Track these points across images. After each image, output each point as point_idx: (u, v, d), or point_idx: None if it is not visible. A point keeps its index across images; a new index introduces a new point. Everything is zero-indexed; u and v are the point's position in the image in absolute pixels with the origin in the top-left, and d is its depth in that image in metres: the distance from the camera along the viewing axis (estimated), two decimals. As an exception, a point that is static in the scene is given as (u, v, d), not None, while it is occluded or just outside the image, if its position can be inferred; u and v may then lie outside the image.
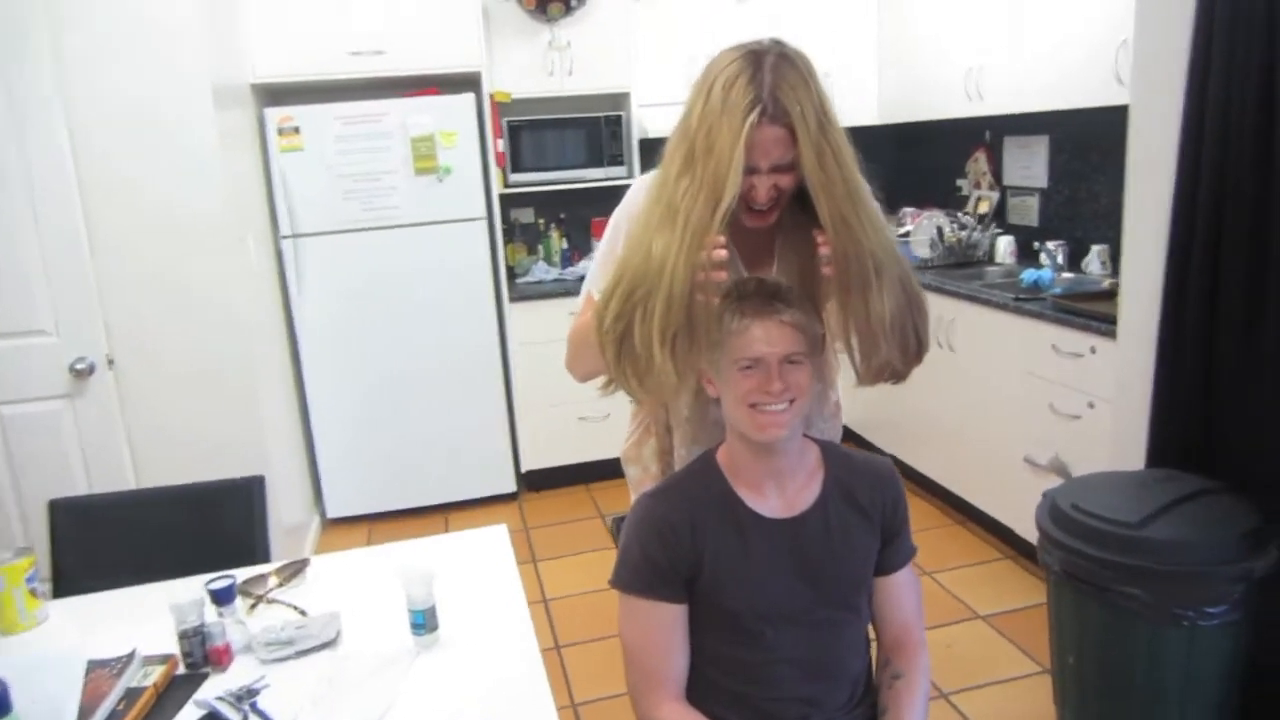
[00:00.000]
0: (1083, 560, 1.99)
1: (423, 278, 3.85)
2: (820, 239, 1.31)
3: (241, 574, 1.78)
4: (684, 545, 1.40)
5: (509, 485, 4.14)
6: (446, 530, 3.89)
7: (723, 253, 1.27)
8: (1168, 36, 2.16)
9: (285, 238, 3.72)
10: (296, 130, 3.66)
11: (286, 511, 3.46)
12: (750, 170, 1.30)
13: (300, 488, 3.78)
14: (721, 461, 1.48)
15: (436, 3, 3.73)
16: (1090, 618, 2.04)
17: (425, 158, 3.73)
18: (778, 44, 1.32)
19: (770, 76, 1.26)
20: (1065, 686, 2.20)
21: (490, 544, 1.92)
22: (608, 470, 4.15)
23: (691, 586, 1.42)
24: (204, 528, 2.01)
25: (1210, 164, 2.05)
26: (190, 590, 1.52)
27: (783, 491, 1.44)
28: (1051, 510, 2.13)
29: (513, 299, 3.98)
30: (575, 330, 1.54)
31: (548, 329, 3.97)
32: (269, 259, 3.68)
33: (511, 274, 4.32)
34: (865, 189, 1.37)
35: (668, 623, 1.42)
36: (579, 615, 3.12)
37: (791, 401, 1.34)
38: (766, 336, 1.32)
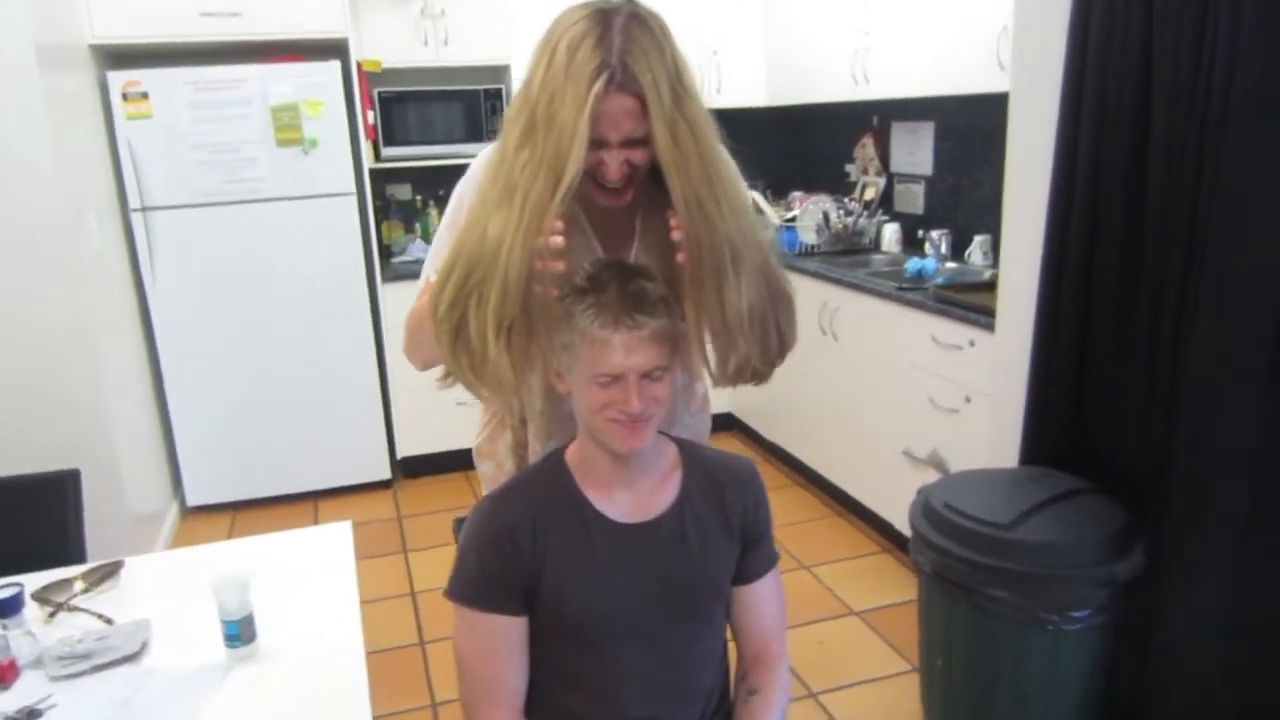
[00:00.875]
0: (953, 561, 1.94)
1: (289, 255, 3.60)
2: (674, 222, 1.19)
3: (46, 577, 1.60)
4: (523, 554, 1.27)
5: (383, 472, 3.95)
6: (315, 519, 3.69)
7: (559, 239, 1.14)
8: (1046, 23, 2.11)
9: (135, 211, 3.42)
10: (144, 96, 3.35)
11: (142, 499, 3.21)
12: (599, 144, 1.17)
13: (156, 475, 3.51)
14: (571, 460, 1.35)
15: (301, -40, 3.46)
16: (958, 620, 2.00)
17: (288, 128, 3.47)
18: (630, 2, 1.17)
19: (620, 39, 1.12)
20: (932, 687, 2.16)
21: (332, 541, 1.76)
22: (488, 459, 3.99)
23: (531, 597, 1.29)
24: (12, 525, 1.80)
25: (1087, 155, 2.01)
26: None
27: (635, 494, 1.32)
28: (925, 508, 2.09)
29: (387, 278, 3.77)
30: (411, 314, 1.40)
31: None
32: (117, 233, 3.38)
33: (387, 252, 4.09)
34: (727, 168, 1.26)
35: (504, 636, 1.30)
36: (447, 609, 2.95)
37: (652, 416, 1.23)
38: (626, 350, 1.18)
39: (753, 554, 1.40)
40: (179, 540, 3.54)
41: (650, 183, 1.29)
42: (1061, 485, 2.04)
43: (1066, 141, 2.06)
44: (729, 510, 1.36)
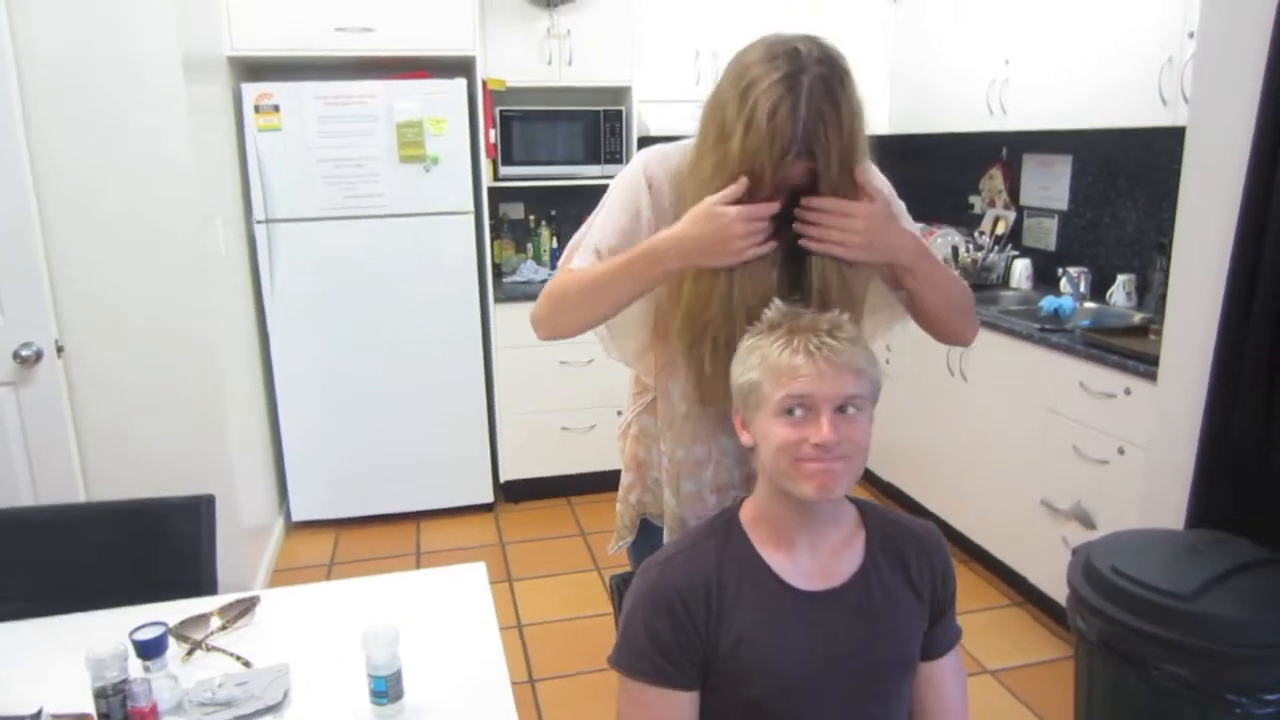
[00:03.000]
0: (1123, 631, 1.79)
1: (404, 272, 3.61)
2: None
3: (181, 609, 1.56)
4: (698, 622, 1.18)
5: (486, 495, 3.91)
6: (418, 540, 3.67)
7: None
8: (1236, 52, 1.96)
9: (259, 223, 3.47)
10: (276, 109, 3.41)
11: (249, 514, 3.22)
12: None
13: (264, 488, 3.54)
14: (746, 520, 1.26)
15: (429, -19, 3.49)
16: (1128, 694, 1.84)
17: (412, 145, 3.49)
18: (813, 51, 1.20)
19: (806, 109, 1.16)
20: (1092, 764, 2.00)
21: (467, 585, 1.69)
22: (591, 484, 3.94)
23: (705, 670, 1.20)
24: (144, 549, 1.77)
25: (1280, 196, 1.85)
26: (112, 639, 1.29)
27: (818, 558, 1.22)
28: (1085, 569, 1.93)
29: (498, 299, 3.75)
30: (563, 284, 1.39)
31: (534, 332, 3.74)
32: (240, 244, 3.43)
33: (498, 272, 4.08)
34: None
35: (675, 714, 1.20)
36: (556, 643, 2.90)
37: (848, 458, 1.13)
38: (819, 377, 1.12)
39: (940, 626, 1.29)
40: (284, 556, 3.55)
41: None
42: (1244, 553, 1.86)
43: (1259, 183, 1.90)
44: (916, 577, 1.26)
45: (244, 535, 3.06)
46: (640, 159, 1.41)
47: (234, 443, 2.97)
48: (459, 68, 3.61)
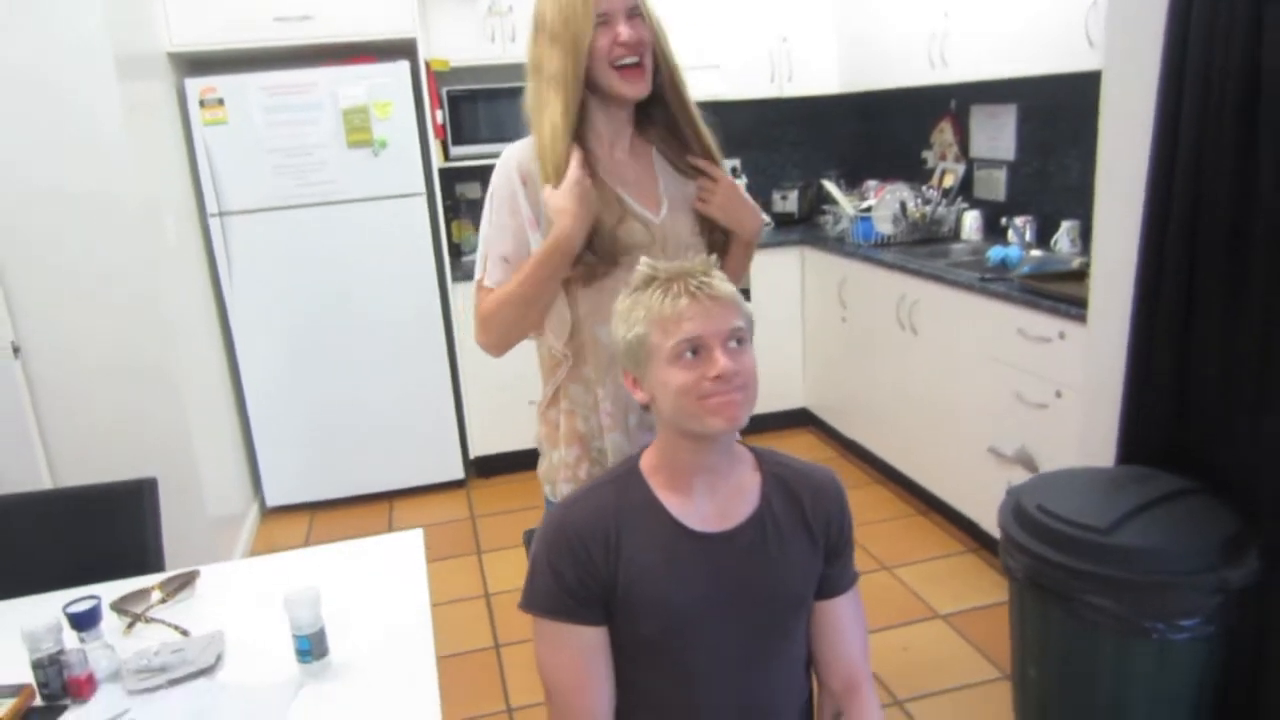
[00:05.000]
0: (1047, 567, 1.84)
1: (361, 256, 3.63)
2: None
3: (124, 587, 1.61)
4: (598, 562, 1.23)
5: (457, 472, 3.96)
6: (390, 519, 3.72)
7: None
8: (1142, -4, 1.98)
9: (213, 216, 3.48)
10: (220, 102, 3.41)
11: (223, 501, 3.28)
12: (605, 22, 1.38)
13: (237, 476, 3.59)
14: (646, 467, 1.30)
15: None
16: (1054, 628, 1.90)
17: (359, 130, 3.50)
18: None
19: None
20: (1026, 697, 2.06)
21: (404, 550, 1.74)
22: (560, 457, 3.97)
23: (608, 608, 1.25)
24: (90, 534, 1.81)
25: (1189, 132, 1.88)
26: (47, 613, 1.34)
27: (714, 501, 1.27)
28: (1016, 510, 1.98)
29: (457, 278, 3.78)
30: (492, 307, 1.47)
31: (489, 354, 3.77)
32: (195, 238, 3.45)
33: (457, 251, 4.10)
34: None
35: (587, 647, 1.25)
36: (522, 613, 2.95)
37: (745, 387, 1.18)
38: (705, 316, 1.17)
39: (837, 566, 1.34)
40: (259, 542, 3.60)
41: (667, 154, 1.55)
42: (1165, 486, 1.92)
43: (1167, 119, 1.94)
44: (811, 519, 1.30)
45: (214, 522, 3.11)
46: (508, 155, 1.49)
47: (197, 433, 3.01)
48: (402, 50, 3.61)
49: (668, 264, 1.24)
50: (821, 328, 3.99)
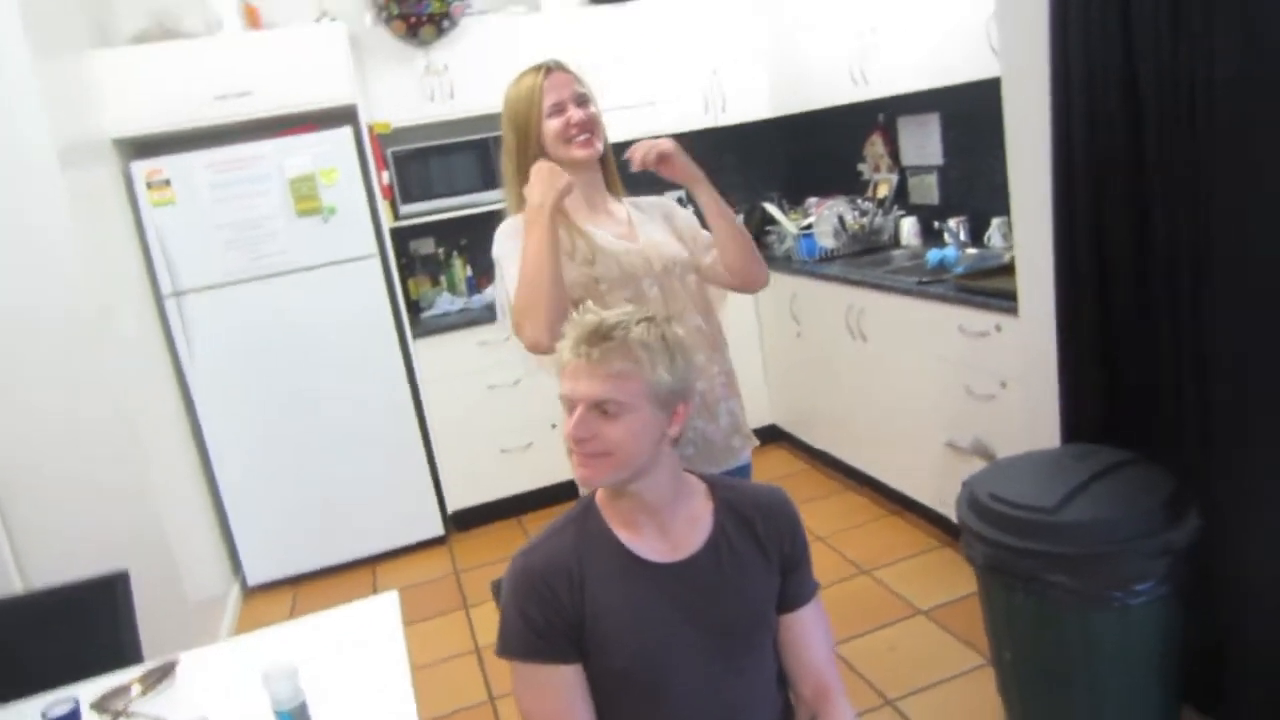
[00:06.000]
0: (1005, 552, 1.92)
1: (320, 323, 3.68)
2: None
3: (103, 684, 1.62)
4: (564, 601, 1.28)
5: (436, 528, 3.98)
6: (374, 583, 3.73)
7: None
8: (1028, 4, 2.11)
9: (168, 296, 3.52)
10: (167, 183, 3.46)
11: (202, 585, 3.27)
12: (558, 109, 1.75)
13: (215, 558, 3.58)
14: (601, 504, 1.36)
15: (301, 37, 3.58)
16: (1019, 610, 1.97)
17: (307, 198, 3.57)
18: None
19: (547, 61, 1.81)
20: (1006, 680, 2.13)
21: (380, 614, 1.77)
22: (538, 499, 4.02)
23: (580, 644, 1.30)
24: (65, 635, 1.82)
25: (1081, 128, 2.01)
26: (27, 719, 1.37)
27: (667, 533, 1.34)
28: (971, 501, 2.06)
29: (418, 335, 3.83)
30: (514, 292, 1.69)
31: (458, 362, 3.84)
32: (153, 321, 3.48)
33: (416, 308, 4.16)
34: None
35: (565, 686, 1.30)
36: (513, 661, 2.97)
37: (604, 455, 1.24)
38: (575, 377, 1.25)
39: (794, 579, 1.40)
40: (243, 623, 3.57)
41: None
42: (1105, 460, 2.00)
43: (1061, 117, 2.06)
44: (764, 539, 1.37)
45: (195, 607, 3.10)
46: (508, 223, 1.81)
47: (168, 519, 3.00)
48: (343, 116, 3.68)
49: (591, 318, 1.29)
50: (779, 345, 4.08)
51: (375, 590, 3.66)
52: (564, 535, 1.34)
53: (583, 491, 1.73)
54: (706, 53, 4.23)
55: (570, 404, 1.25)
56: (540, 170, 1.69)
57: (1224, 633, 1.95)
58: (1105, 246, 2.01)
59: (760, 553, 1.36)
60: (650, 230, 1.85)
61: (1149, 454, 1.99)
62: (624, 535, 1.32)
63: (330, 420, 3.74)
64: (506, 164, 1.83)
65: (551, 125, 1.74)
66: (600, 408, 1.23)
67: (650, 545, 1.32)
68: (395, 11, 3.73)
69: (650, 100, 4.13)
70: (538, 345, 1.61)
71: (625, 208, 1.89)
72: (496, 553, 3.81)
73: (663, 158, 1.78)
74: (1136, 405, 2.05)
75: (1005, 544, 1.91)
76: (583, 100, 1.77)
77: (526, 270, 1.65)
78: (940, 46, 3.05)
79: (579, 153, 1.76)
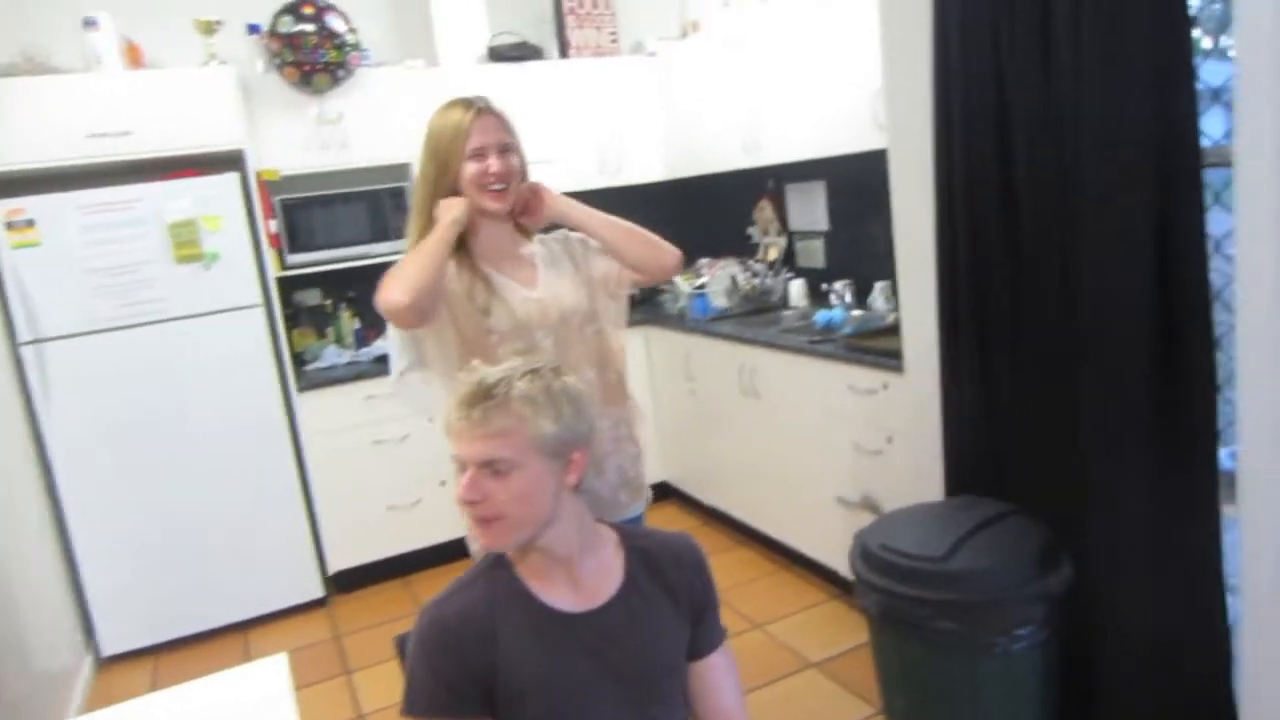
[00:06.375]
0: (897, 600, 1.97)
1: (196, 375, 3.50)
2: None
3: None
4: (474, 654, 1.24)
5: (315, 591, 3.80)
6: (246, 651, 3.51)
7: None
8: (913, 85, 2.25)
9: (24, 344, 3.29)
10: (30, 223, 3.26)
11: (48, 655, 3.01)
12: (480, 155, 1.72)
13: (65, 627, 3.30)
14: (512, 556, 1.34)
15: (187, 78, 3.47)
16: (910, 656, 2.02)
17: (187, 245, 3.43)
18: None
19: (478, 99, 1.77)
20: (898, 729, 2.17)
21: (267, 678, 1.66)
22: (427, 559, 3.89)
23: (490, 697, 1.26)
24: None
25: (963, 199, 2.13)
26: None
27: (576, 583, 1.32)
28: (863, 552, 2.12)
29: (302, 388, 3.70)
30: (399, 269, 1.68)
31: (343, 416, 3.72)
32: (7, 370, 3.24)
33: (300, 361, 4.02)
34: None
35: None
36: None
37: (497, 517, 1.23)
38: (458, 438, 1.25)
39: (704, 627, 1.41)
40: (94, 698, 3.29)
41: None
42: (987, 511, 2.10)
43: (944, 187, 2.19)
44: (674, 587, 1.37)
45: (39, 681, 2.85)
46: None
47: (15, 583, 2.77)
48: (230, 162, 3.58)
49: (474, 379, 1.28)
50: (672, 402, 4.13)
51: (248, 657, 3.45)
52: (474, 588, 1.31)
53: (473, 549, 1.71)
54: (604, 115, 4.33)
55: (460, 466, 1.25)
56: (451, 205, 1.72)
57: (1098, 675, 2.05)
58: (985, 308, 2.14)
59: (671, 601, 1.36)
60: (554, 278, 1.84)
61: (1026, 505, 2.10)
62: (535, 586, 1.30)
63: (203, 477, 3.55)
64: (418, 189, 1.79)
65: (470, 169, 1.72)
66: (489, 467, 1.23)
67: (562, 595, 1.30)
68: (288, 58, 3.67)
69: (547, 159, 4.15)
70: (389, 302, 1.62)
71: (534, 249, 1.88)
72: (381, 615, 3.67)
73: (534, 192, 1.81)
74: (1014, 459, 2.16)
75: (898, 593, 1.97)
76: (506, 149, 1.75)
77: (415, 250, 1.68)
78: (828, 119, 3.21)
79: (490, 204, 1.75)
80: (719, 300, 3.88)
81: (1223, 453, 1.87)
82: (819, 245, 3.95)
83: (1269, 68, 1.59)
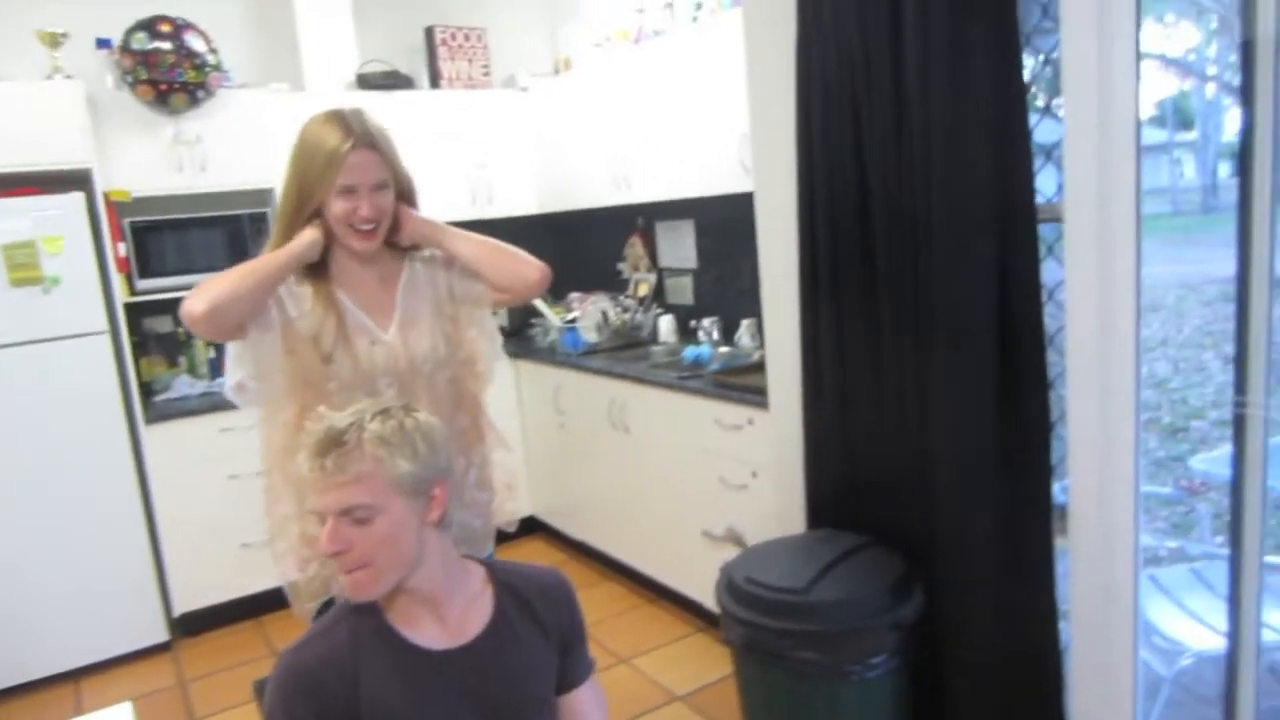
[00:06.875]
0: (760, 632, 2.03)
1: (31, 404, 3.26)
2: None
3: None
4: (337, 699, 1.21)
5: (159, 634, 3.57)
6: (78, 703, 3.27)
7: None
8: (777, 134, 2.37)
9: None
10: None
11: None
12: (349, 191, 1.61)
13: None
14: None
15: (28, 92, 3.27)
16: (773, 686, 2.08)
17: (23, 267, 3.20)
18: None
19: (357, 123, 1.65)
20: (761, 758, 2.22)
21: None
22: (281, 599, 3.66)
23: None
24: None
25: (825, 241, 2.25)
26: None
27: (444, 619, 1.31)
28: (728, 585, 2.17)
29: (150, 420, 3.50)
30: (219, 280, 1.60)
31: (195, 449, 3.54)
32: None
33: (149, 391, 3.81)
34: None
35: None
36: (250, 778, 2.71)
37: (364, 565, 1.22)
38: (318, 490, 1.22)
39: (571, 659, 1.42)
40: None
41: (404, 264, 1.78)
42: (846, 543, 2.19)
43: (807, 230, 2.30)
44: (543, 620, 1.38)
45: None
46: None
47: None
48: (75, 181, 3.37)
49: (322, 427, 1.25)
50: (541, 436, 4.12)
51: (80, 709, 3.21)
52: (337, 630, 1.28)
53: (300, 609, 1.67)
54: (474, 146, 4.32)
55: (321, 518, 1.22)
56: (308, 241, 1.64)
57: (947, 699, 2.16)
58: (844, 350, 2.25)
59: (540, 634, 1.37)
60: (411, 317, 1.74)
61: (883, 537, 2.21)
62: (400, 626, 1.28)
63: (35, 515, 3.30)
64: (280, 204, 1.68)
65: (338, 205, 1.61)
66: (349, 515, 1.21)
67: (429, 633, 1.29)
68: (143, 76, 3.50)
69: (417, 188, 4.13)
70: (186, 307, 1.56)
71: (400, 273, 1.77)
72: (231, 658, 3.49)
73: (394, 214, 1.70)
74: (871, 492, 2.27)
75: (761, 624, 2.03)
76: (380, 188, 1.64)
77: (245, 265, 1.60)
78: (697, 161, 3.32)
79: (357, 244, 1.66)
80: (590, 335, 3.91)
81: (1056, 487, 2.02)
82: (688, 282, 4.05)
83: (1093, 130, 1.76)
